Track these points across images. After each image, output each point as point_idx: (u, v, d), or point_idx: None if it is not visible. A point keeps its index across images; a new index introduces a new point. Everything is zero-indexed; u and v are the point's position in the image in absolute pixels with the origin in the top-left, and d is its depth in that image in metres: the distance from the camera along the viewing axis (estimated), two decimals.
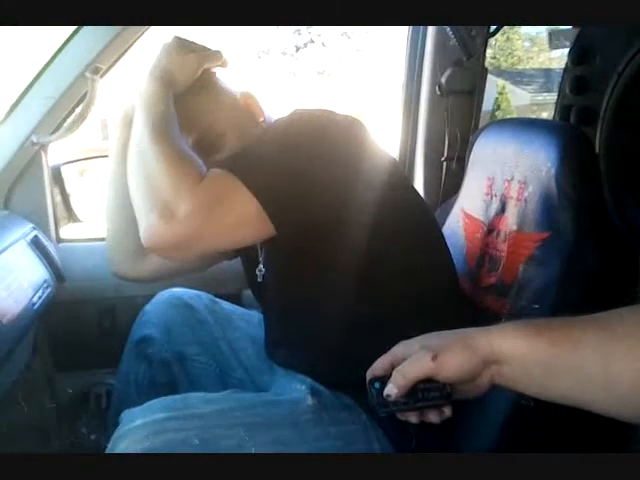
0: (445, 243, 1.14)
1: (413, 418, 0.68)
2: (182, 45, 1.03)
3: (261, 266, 1.12)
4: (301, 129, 0.94)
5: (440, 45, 1.75)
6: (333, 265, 0.97)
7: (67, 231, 1.66)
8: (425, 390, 0.65)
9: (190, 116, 1.02)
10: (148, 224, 0.84)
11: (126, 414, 0.95)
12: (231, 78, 1.13)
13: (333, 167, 0.91)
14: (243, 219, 0.87)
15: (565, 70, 1.98)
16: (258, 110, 1.10)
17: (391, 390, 0.65)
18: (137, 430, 0.90)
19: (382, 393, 0.66)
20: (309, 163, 0.89)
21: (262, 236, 0.90)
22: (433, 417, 0.67)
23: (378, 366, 0.69)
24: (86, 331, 1.61)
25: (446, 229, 1.35)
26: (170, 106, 0.97)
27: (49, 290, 1.34)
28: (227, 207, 0.85)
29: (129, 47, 1.46)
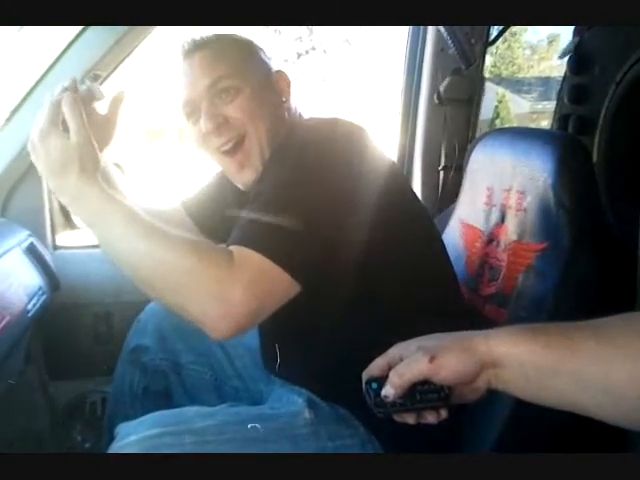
0: (446, 252, 1.14)
1: (410, 419, 0.67)
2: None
3: None
4: (316, 163, 0.92)
5: (439, 53, 1.75)
6: (334, 279, 0.96)
7: (64, 238, 1.65)
8: (423, 392, 0.65)
9: (215, 56, 1.01)
10: (213, 322, 0.81)
11: (121, 428, 0.94)
12: None
13: (347, 199, 0.90)
14: (282, 291, 0.86)
15: (564, 79, 1.98)
16: (286, 90, 1.09)
17: (388, 391, 0.65)
18: (131, 446, 0.89)
19: (379, 394, 0.65)
20: (326, 206, 0.88)
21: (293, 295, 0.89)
22: (430, 418, 0.67)
23: (375, 366, 0.69)
24: (81, 338, 1.61)
25: (445, 238, 1.34)
26: (107, 192, 0.85)
27: (44, 297, 1.33)
28: (266, 284, 0.83)
29: (128, 54, 1.46)
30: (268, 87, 1.06)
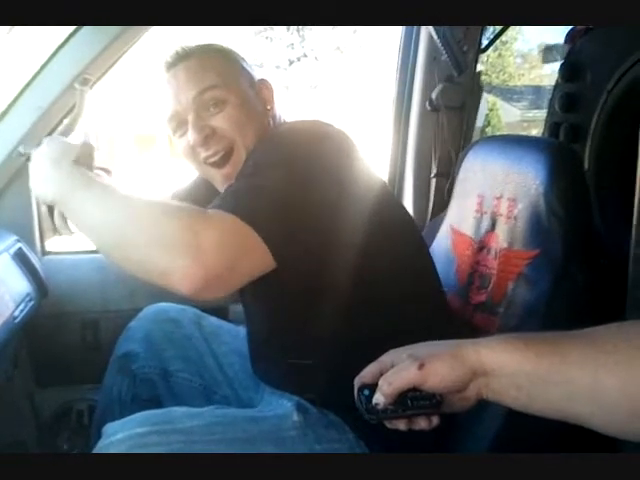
0: (432, 263, 1.14)
1: (402, 425, 0.67)
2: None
3: None
4: (297, 150, 0.92)
5: (431, 60, 1.75)
6: (319, 286, 0.96)
7: (53, 243, 1.63)
8: (414, 399, 0.65)
9: (199, 67, 1.02)
10: (181, 270, 0.78)
11: (107, 427, 0.94)
12: None
13: (329, 190, 0.90)
14: (255, 256, 0.83)
15: (555, 87, 1.99)
16: (269, 98, 1.09)
17: (379, 398, 0.65)
18: (117, 444, 0.89)
19: (371, 400, 0.66)
20: (308, 192, 0.88)
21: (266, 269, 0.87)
22: (422, 424, 0.67)
23: (367, 373, 0.69)
24: (69, 345, 1.59)
25: (435, 246, 1.34)
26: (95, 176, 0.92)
27: (32, 303, 1.32)
28: (239, 241, 0.82)
29: (118, 59, 1.46)
30: (253, 96, 1.06)
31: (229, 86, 1.02)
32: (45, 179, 0.91)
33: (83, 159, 0.93)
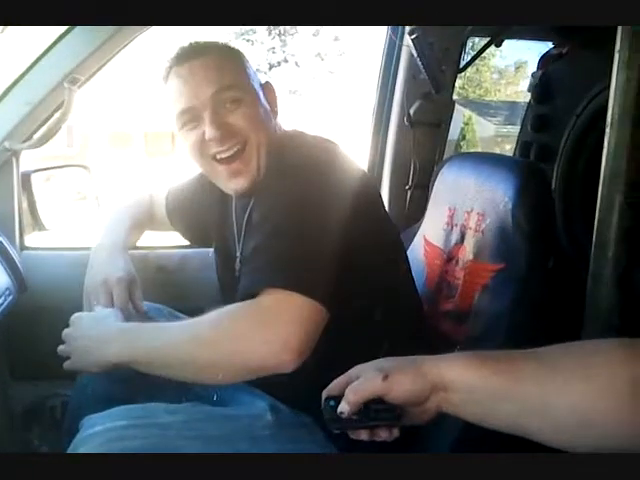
0: (411, 273, 1.18)
1: (364, 435, 0.71)
2: None
3: (238, 261, 1.15)
4: (312, 190, 0.96)
5: (410, 77, 1.79)
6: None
7: (32, 239, 1.63)
8: (377, 410, 0.69)
9: (218, 65, 1.04)
10: (275, 359, 0.87)
11: (87, 420, 0.95)
12: None
13: (339, 224, 0.95)
14: (315, 319, 0.90)
15: (527, 108, 2.06)
16: (274, 101, 1.14)
17: (344, 407, 0.69)
18: (96, 436, 0.90)
19: (336, 411, 0.69)
20: (324, 231, 0.94)
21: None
22: (383, 435, 0.70)
23: (335, 385, 0.73)
24: (46, 341, 1.58)
25: (409, 254, 1.38)
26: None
27: (10, 298, 1.32)
28: (300, 315, 0.88)
29: (109, 60, 1.47)
30: (262, 97, 1.10)
31: (245, 86, 1.06)
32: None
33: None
